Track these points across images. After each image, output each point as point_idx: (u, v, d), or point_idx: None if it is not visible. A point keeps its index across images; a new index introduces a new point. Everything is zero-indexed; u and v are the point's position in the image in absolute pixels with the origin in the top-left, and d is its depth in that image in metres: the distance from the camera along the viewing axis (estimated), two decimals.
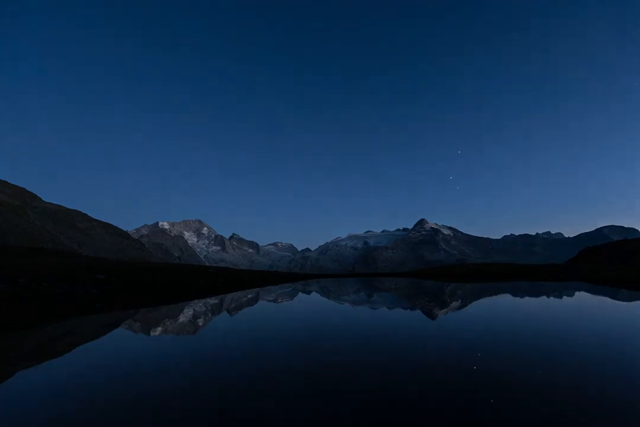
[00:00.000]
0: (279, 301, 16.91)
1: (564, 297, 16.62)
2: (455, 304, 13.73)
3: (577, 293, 18.64)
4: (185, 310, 13.09)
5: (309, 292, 22.67)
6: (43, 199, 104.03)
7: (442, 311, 11.19)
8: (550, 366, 4.38)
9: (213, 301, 17.42)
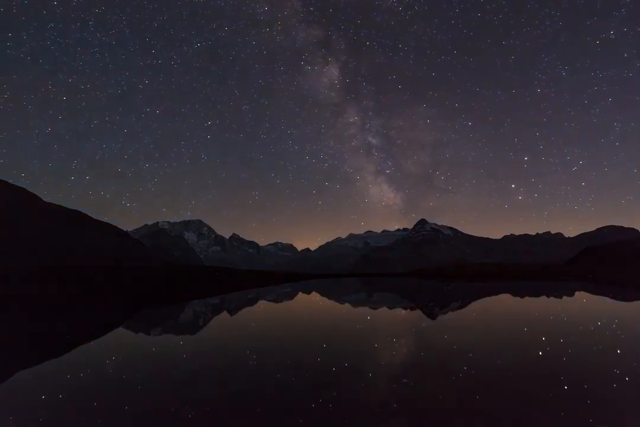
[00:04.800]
0: (279, 301, 16.91)
1: (564, 297, 16.62)
2: (455, 304, 13.73)
3: (577, 293, 18.64)
4: (186, 310, 13.09)
5: (309, 293, 22.68)
6: (43, 199, 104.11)
7: (442, 312, 11.19)
8: (552, 369, 4.38)
9: (213, 301, 17.41)
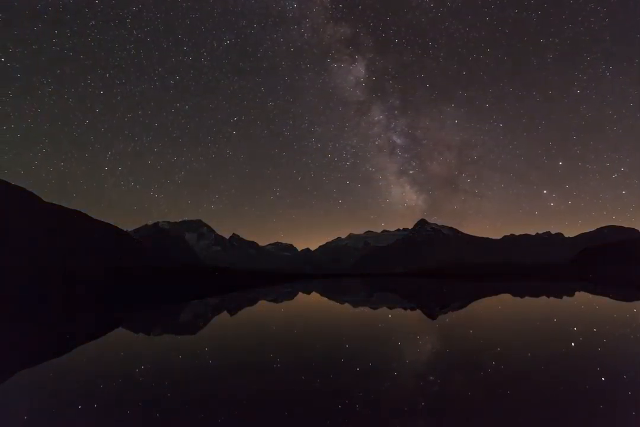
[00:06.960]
0: (280, 301, 16.90)
1: (564, 297, 16.61)
2: (455, 304, 13.72)
3: (577, 293, 18.63)
4: (186, 310, 13.09)
5: (309, 293, 22.68)
6: (43, 199, 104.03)
7: (443, 312, 11.17)
8: (557, 369, 4.38)
9: (213, 301, 17.41)
